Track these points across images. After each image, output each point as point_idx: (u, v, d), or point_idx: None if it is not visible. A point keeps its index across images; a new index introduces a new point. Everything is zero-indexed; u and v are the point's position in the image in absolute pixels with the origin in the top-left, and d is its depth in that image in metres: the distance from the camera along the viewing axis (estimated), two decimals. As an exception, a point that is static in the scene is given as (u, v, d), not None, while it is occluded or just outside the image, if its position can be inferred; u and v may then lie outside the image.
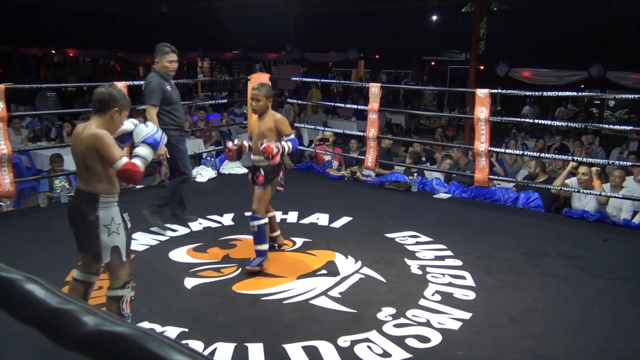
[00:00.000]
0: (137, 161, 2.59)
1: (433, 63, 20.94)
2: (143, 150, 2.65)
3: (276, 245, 4.10)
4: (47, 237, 4.27)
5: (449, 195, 5.83)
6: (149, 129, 2.72)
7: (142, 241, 4.25)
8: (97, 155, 2.48)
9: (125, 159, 2.51)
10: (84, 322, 0.65)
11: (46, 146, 7.11)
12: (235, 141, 3.88)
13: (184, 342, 2.74)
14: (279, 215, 4.91)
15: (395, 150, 8.47)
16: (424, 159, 7.57)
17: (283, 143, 3.54)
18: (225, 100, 11.64)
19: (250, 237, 3.79)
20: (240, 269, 3.74)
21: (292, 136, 3.65)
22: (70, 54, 18.35)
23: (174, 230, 4.53)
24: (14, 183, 4.95)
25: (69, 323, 0.66)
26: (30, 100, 12.43)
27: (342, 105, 8.83)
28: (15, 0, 13.11)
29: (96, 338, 0.64)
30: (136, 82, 5.84)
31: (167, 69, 4.34)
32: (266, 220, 3.69)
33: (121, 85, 5.56)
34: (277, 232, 4.13)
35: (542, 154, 6.51)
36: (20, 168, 7.01)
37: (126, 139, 2.82)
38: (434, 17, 14.38)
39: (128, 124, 2.76)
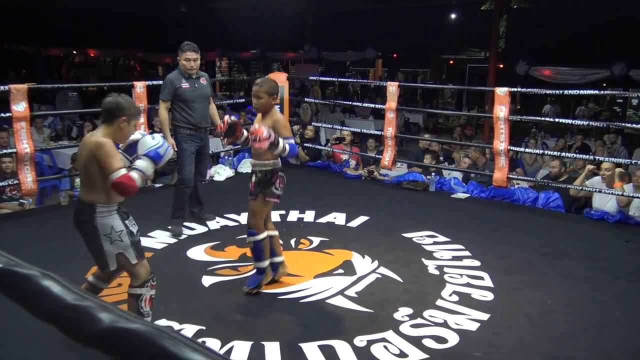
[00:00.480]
0: (134, 174, 2.48)
1: (452, 62, 20.80)
2: (143, 164, 2.54)
3: (276, 277, 3.50)
4: (68, 234, 4.28)
5: (467, 195, 5.78)
6: (154, 141, 2.59)
7: (160, 239, 4.29)
8: (97, 163, 2.44)
9: (123, 171, 2.43)
10: (99, 318, 0.66)
11: (67, 145, 7.21)
12: (233, 117, 3.26)
13: (201, 339, 2.76)
14: (295, 214, 4.94)
15: (412, 149, 8.42)
16: (442, 158, 7.51)
17: (280, 139, 3.08)
18: (243, 100, 11.70)
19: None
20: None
21: (292, 141, 3.21)
22: (91, 54, 18.63)
23: (192, 229, 4.57)
24: (36, 181, 5.04)
25: (85, 319, 0.66)
26: (52, 100, 12.62)
27: (359, 104, 8.80)
28: (37, 1, 13.34)
29: (111, 335, 0.65)
30: (155, 82, 5.89)
31: (184, 66, 4.35)
32: (263, 235, 3.32)
33: (141, 85, 5.64)
34: (281, 258, 3.51)
35: (563, 154, 6.41)
36: (42, 167, 7.13)
37: (134, 150, 2.67)
38: (453, 15, 14.29)
39: (136, 134, 2.68)
